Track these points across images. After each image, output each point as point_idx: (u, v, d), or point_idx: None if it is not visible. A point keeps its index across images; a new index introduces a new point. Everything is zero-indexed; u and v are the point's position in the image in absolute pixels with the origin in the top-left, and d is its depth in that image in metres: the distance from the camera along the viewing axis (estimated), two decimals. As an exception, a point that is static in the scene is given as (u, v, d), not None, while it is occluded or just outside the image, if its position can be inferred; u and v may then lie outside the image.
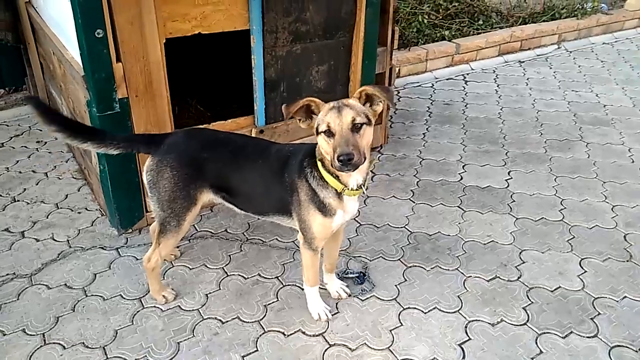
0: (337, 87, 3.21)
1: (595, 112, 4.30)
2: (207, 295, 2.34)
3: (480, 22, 5.84)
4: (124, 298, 2.31)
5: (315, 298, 2.22)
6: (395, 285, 2.40)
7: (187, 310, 2.25)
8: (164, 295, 2.29)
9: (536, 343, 2.10)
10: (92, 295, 2.33)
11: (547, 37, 5.99)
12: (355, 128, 1.75)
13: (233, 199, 2.14)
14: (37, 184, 3.15)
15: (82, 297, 2.31)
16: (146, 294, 2.33)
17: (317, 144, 1.87)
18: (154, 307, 2.27)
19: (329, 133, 1.76)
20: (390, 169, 3.39)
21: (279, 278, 2.45)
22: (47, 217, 2.85)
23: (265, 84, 2.90)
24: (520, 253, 2.62)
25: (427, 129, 3.98)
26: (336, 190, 1.90)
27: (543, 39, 5.95)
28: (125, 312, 2.24)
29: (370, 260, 2.55)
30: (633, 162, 3.53)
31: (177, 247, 2.60)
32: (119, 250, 2.62)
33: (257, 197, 2.12)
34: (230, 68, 3.84)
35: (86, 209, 2.93)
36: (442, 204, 3.04)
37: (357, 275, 2.42)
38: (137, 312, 2.24)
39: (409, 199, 3.08)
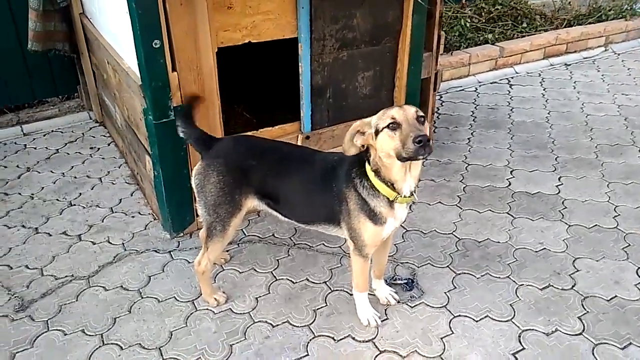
0: (382, 93, 3.21)
1: (647, 116, 4.15)
2: (257, 298, 2.37)
3: (525, 25, 5.72)
4: (178, 300, 2.38)
5: (365, 304, 2.23)
6: (445, 293, 2.38)
7: (238, 314, 2.29)
8: (215, 298, 2.34)
9: (593, 354, 2.05)
10: (147, 297, 2.40)
11: (594, 40, 5.82)
12: (419, 120, 1.76)
13: (277, 207, 2.16)
14: (92, 189, 3.27)
15: (138, 299, 2.39)
16: (199, 296, 2.39)
17: (364, 154, 1.90)
18: (207, 309, 2.32)
19: (394, 125, 1.73)
20: (435, 175, 3.36)
21: (327, 283, 2.46)
22: (103, 221, 2.96)
23: (311, 91, 2.93)
24: (574, 261, 2.56)
25: (471, 133, 3.93)
26: (388, 198, 1.89)
27: (589, 42, 5.79)
28: (179, 314, 2.30)
29: (418, 267, 2.54)
30: (691, 167, 3.39)
31: (227, 250, 2.66)
32: (171, 253, 2.69)
33: (302, 206, 2.14)
34: (276, 75, 3.89)
35: (139, 213, 3.03)
36: (490, 210, 2.99)
37: (405, 281, 2.41)
38: (191, 314, 2.30)
39: (456, 204, 3.05)
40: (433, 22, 3.27)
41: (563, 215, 2.92)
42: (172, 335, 2.18)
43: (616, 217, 2.90)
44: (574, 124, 4.04)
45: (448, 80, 4.91)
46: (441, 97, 4.61)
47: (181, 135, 2.21)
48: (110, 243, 2.78)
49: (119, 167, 3.52)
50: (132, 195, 3.21)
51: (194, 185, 2.13)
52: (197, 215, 2.83)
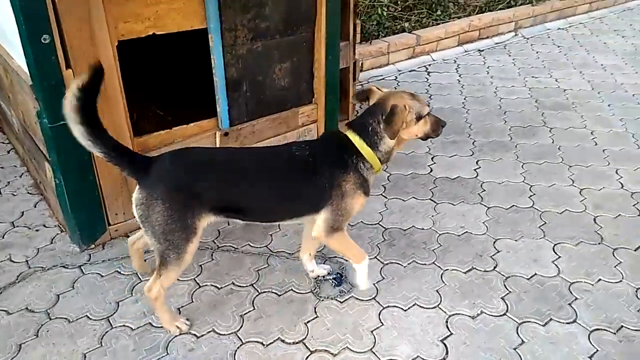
0: (301, 84, 3.13)
1: (556, 97, 4.37)
2: (179, 309, 2.23)
3: (439, 12, 5.85)
4: (91, 318, 2.19)
5: (366, 272, 2.21)
6: (374, 284, 2.35)
7: (158, 327, 2.14)
8: (177, 326, 2.09)
9: (517, 333, 2.10)
10: (57, 317, 2.19)
11: (504, 25, 6.06)
12: None
13: (240, 215, 2.02)
14: (-12, 202, 2.96)
15: (46, 321, 2.17)
16: (114, 312, 2.21)
17: (339, 138, 2.01)
18: (124, 325, 2.15)
19: (429, 113, 2.07)
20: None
21: (254, 285, 2.36)
22: (3, 237, 2.68)
23: (227, 85, 2.80)
24: (494, 242, 2.62)
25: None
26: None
27: (500, 27, 6.03)
28: (92, 333, 2.11)
29: (347, 260, 2.49)
30: (596, 144, 3.60)
31: (145, 260, 2.48)
32: (81, 267, 2.48)
33: (278, 205, 2.03)
34: (191, 69, 3.70)
35: (44, 225, 2.77)
36: (414, 197, 3.01)
37: (334, 277, 2.36)
38: (106, 332, 2.12)
39: (381, 194, 3.04)
40: (348, 10, 3.23)
41: (482, 197, 3.00)
42: (85, 357, 2.00)
43: (532, 196, 3.01)
44: (489, 108, 4.17)
45: (369, 69, 4.93)
46: (362, 86, 4.61)
47: (104, 156, 1.81)
48: (13, 261, 2.52)
49: (20, 177, 3.21)
50: (35, 206, 2.93)
51: (136, 216, 1.88)
52: (110, 225, 2.63)
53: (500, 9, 6.26)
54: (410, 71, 5.00)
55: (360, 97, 2.15)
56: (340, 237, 2.05)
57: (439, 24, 5.66)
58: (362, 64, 4.88)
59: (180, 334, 2.10)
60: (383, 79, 4.81)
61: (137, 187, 1.88)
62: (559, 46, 5.70)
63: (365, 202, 2.06)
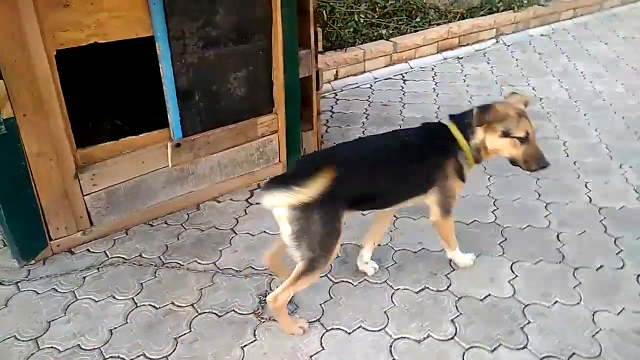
0: (259, 93, 3.03)
1: (531, 106, 4.24)
2: (111, 330, 2.13)
3: (418, 19, 5.76)
4: (18, 339, 2.08)
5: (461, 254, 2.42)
6: (320, 305, 2.25)
7: (87, 350, 2.03)
8: (300, 327, 2.10)
9: (463, 359, 1.99)
10: (-18, 339, 2.08)
11: (485, 32, 5.98)
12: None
13: (371, 204, 2.17)
14: None
15: (-31, 343, 2.06)
16: (43, 333, 2.11)
17: (442, 127, 2.19)
18: (51, 347, 2.05)
19: (523, 140, 2.08)
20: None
21: (195, 305, 2.26)
22: (-60, 252, 2.57)
23: (178, 94, 2.70)
24: (451, 260, 2.52)
25: (363, 132, 3.86)
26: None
27: (481, 34, 5.94)
28: (18, 355, 2.01)
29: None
30: (568, 156, 3.51)
31: (85, 277, 2.38)
32: (18, 284, 2.38)
33: (401, 188, 2.16)
34: (147, 78, 3.60)
35: (-15, 240, 2.66)
36: (371, 211, 2.90)
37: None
38: (32, 354, 2.02)
39: (340, 208, 2.94)
40: (308, 17, 3.13)
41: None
42: (5, 383, 1.89)
43: (495, 211, 2.91)
44: (462, 118, 4.07)
45: (344, 77, 4.84)
46: (336, 95, 4.52)
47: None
48: (-53, 278, 2.41)
49: (-31, 187, 3.10)
50: (-21, 219, 2.81)
51: (290, 232, 1.88)
52: (51, 239, 2.52)
53: (482, 15, 6.18)
54: (386, 79, 4.91)
55: None
56: (450, 221, 2.29)
57: (417, 31, 5.57)
58: (337, 71, 4.79)
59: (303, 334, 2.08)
60: (358, 87, 4.72)
61: (289, 212, 1.86)
62: (539, 53, 5.62)
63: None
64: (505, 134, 2.08)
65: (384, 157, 2.09)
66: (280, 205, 1.84)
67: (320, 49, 3.38)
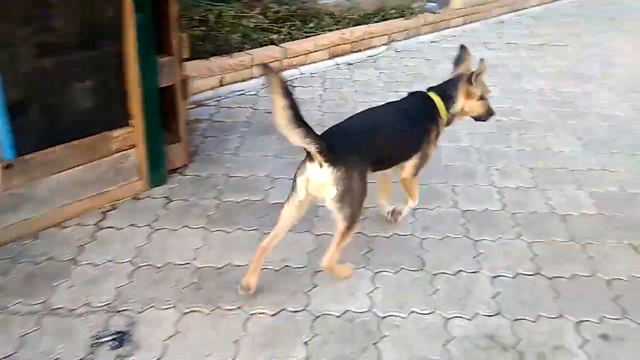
0: (112, 105, 2.80)
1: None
2: None
3: (312, 25, 5.72)
4: None
5: None
6: (164, 341, 2.06)
7: None
8: (348, 269, 2.43)
9: (312, 384, 1.90)
10: None
11: (378, 38, 6.05)
12: None
13: (381, 165, 2.44)
14: None
15: None
16: None
17: (426, 97, 2.59)
18: None
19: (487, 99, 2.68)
20: (189, 193, 3.06)
21: (12, 357, 1.96)
22: None
23: (8, 108, 2.41)
24: (313, 275, 2.44)
25: (241, 141, 3.71)
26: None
27: (374, 40, 6.01)
28: None
29: (140, 312, 2.18)
30: (441, 161, 3.56)
31: None
32: None
33: (402, 150, 2.52)
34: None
35: None
36: (240, 228, 2.77)
37: (113, 337, 2.03)
38: None
39: (204, 226, 2.77)
40: (168, 23, 2.94)
41: (314, 224, 2.82)
42: None
43: (364, 219, 2.87)
44: (345, 125, 4.04)
45: (230, 83, 4.66)
46: (219, 102, 4.34)
47: (310, 148, 2.01)
48: None
49: None
50: None
51: (336, 193, 2.11)
52: None
53: (376, 22, 6.25)
54: (274, 85, 4.78)
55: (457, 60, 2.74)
56: (417, 179, 2.70)
57: (309, 36, 5.51)
58: (222, 78, 4.62)
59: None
60: (243, 93, 4.57)
61: (332, 168, 2.07)
62: (427, 60, 5.76)
63: None
64: (481, 98, 2.62)
65: (392, 125, 2.46)
66: (326, 172, 2.07)
67: (186, 55, 3.19)
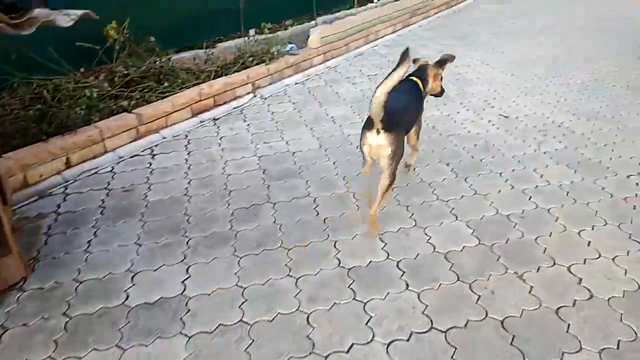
0: None
1: (284, 163, 4.15)
2: None
3: (166, 84, 5.36)
4: None
5: None
6: None
7: None
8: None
9: None
10: None
11: (241, 88, 5.86)
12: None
13: (406, 132, 3.36)
14: None
15: None
16: None
17: (413, 82, 3.46)
18: None
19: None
20: (30, 314, 2.53)
21: None
22: None
23: None
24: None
25: (95, 233, 3.23)
26: None
27: (237, 90, 5.80)
28: None
29: None
30: (318, 214, 3.37)
31: None
32: None
33: (414, 119, 3.49)
34: None
35: None
36: (95, 349, 2.31)
37: None
38: None
39: (50, 356, 2.27)
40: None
41: (184, 323, 2.45)
42: None
43: (242, 304, 2.56)
44: (214, 190, 3.73)
45: (79, 163, 4.15)
46: (66, 188, 3.81)
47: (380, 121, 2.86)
48: None
49: None
50: None
51: (391, 151, 2.91)
52: None
53: (236, 71, 6.06)
54: (133, 156, 4.36)
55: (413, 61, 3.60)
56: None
57: (166, 97, 5.15)
58: (67, 158, 4.08)
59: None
60: (96, 172, 4.07)
61: (386, 133, 2.88)
62: (294, 103, 5.67)
63: None
64: (441, 79, 3.67)
65: (410, 103, 3.29)
66: (381, 137, 2.90)
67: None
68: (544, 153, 4.25)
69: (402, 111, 3.08)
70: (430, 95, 3.67)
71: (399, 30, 9.42)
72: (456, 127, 4.86)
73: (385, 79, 2.69)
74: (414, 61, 3.62)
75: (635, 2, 12.07)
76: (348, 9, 10.15)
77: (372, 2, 10.98)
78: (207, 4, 7.20)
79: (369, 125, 2.91)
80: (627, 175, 3.86)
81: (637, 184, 3.73)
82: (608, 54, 7.60)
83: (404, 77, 3.01)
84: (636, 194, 3.57)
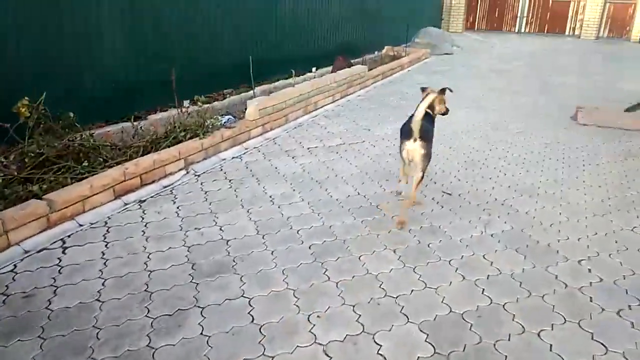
0: None
1: (217, 254, 3.73)
2: None
3: (86, 163, 4.87)
4: None
5: None
6: None
7: None
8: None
9: None
10: None
11: (173, 164, 5.45)
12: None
13: (430, 145, 4.41)
14: None
15: None
16: None
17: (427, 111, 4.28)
18: None
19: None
20: None
21: None
22: None
23: None
24: None
25: (-22, 359, 2.64)
26: None
27: (168, 167, 5.38)
28: None
29: None
30: (253, 320, 2.96)
31: None
32: None
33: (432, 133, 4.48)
34: None
35: None
36: None
37: None
38: None
39: None
40: None
41: None
42: None
43: None
44: (132, 293, 3.23)
45: (-27, 263, 3.52)
46: (-49, 297, 3.18)
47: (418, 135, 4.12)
48: None
49: None
50: None
51: (423, 153, 4.16)
52: None
53: (167, 146, 5.66)
54: (40, 250, 3.78)
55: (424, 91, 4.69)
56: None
57: (84, 178, 4.65)
58: (-42, 258, 3.46)
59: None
60: (-7, 273, 3.46)
61: (420, 140, 4.14)
62: (230, 180, 5.31)
63: None
64: (445, 103, 4.79)
65: (430, 122, 4.45)
66: (417, 143, 4.13)
67: None
68: (491, 236, 4.09)
69: (428, 128, 4.26)
70: (440, 114, 4.81)
71: (337, 100, 9.44)
72: (400, 206, 4.66)
73: (417, 107, 4.01)
74: (423, 90, 4.74)
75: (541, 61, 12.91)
76: (286, 79, 10.14)
77: (310, 72, 11.09)
78: (139, 73, 6.89)
79: (407, 136, 4.14)
80: (579, 260, 3.73)
81: (589, 270, 3.60)
82: (538, 126, 7.88)
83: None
84: (590, 283, 3.42)
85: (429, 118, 4.36)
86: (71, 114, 5.36)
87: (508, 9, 27.25)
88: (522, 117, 8.45)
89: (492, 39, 22.89)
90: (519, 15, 27.12)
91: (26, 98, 4.83)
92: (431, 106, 4.42)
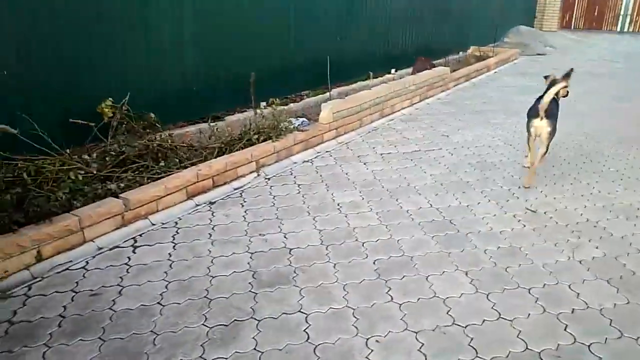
0: None
1: (278, 263, 3.65)
2: None
3: (163, 163, 5.01)
4: None
5: None
6: None
7: None
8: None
9: None
10: None
11: (244, 167, 5.48)
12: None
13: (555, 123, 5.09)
14: None
15: None
16: None
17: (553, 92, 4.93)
18: None
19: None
20: None
21: None
22: None
23: None
24: None
25: (44, 353, 2.73)
26: None
27: (240, 169, 5.42)
28: None
29: None
30: (308, 338, 2.82)
31: None
32: None
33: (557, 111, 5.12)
34: None
35: None
36: None
37: None
38: None
39: None
40: None
41: None
42: None
43: None
44: (192, 299, 3.23)
45: (52, 256, 3.72)
46: (30, 288, 3.36)
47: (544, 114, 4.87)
48: None
49: None
50: None
51: (550, 130, 4.91)
52: None
53: (240, 148, 5.71)
54: (112, 248, 3.91)
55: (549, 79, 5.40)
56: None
57: (160, 178, 4.78)
58: (39, 251, 3.66)
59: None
60: (67, 268, 3.63)
61: (546, 119, 4.85)
62: (299, 185, 5.23)
63: None
64: (568, 86, 5.29)
65: (555, 104, 5.06)
66: (544, 121, 4.85)
67: None
68: (580, 262, 3.66)
69: (553, 109, 4.89)
70: (562, 97, 5.24)
71: (416, 103, 9.11)
72: (476, 222, 4.33)
73: (546, 91, 4.98)
74: (545, 77, 5.35)
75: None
76: (364, 80, 9.95)
77: (389, 73, 10.82)
78: (218, 73, 7.02)
79: (534, 114, 4.89)
80: (686, 299, 3.24)
81: (698, 313, 3.10)
82: (641, 136, 7.09)
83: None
84: (699, 329, 2.94)
85: (553, 100, 4.91)
86: (152, 115, 5.54)
87: (610, 7, 25.11)
88: (622, 126, 7.65)
89: (590, 39, 21.20)
90: (622, 12, 24.90)
91: (110, 99, 5.05)
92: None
